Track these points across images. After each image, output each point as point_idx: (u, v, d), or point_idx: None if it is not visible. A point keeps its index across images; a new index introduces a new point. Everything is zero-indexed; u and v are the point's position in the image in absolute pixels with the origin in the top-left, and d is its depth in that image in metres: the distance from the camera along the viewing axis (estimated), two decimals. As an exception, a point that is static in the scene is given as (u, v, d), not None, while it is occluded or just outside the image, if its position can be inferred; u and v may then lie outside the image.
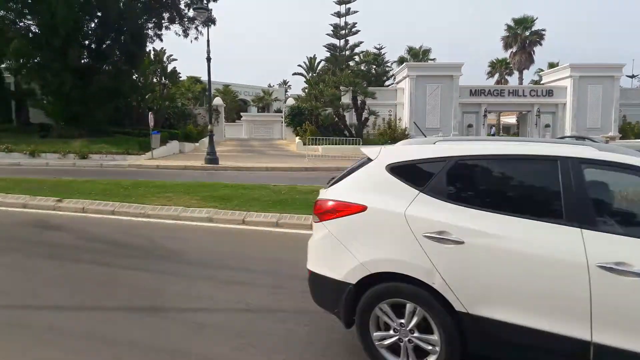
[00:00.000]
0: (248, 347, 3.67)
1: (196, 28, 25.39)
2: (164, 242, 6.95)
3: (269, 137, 41.54)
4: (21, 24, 24.35)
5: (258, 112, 53.94)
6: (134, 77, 28.71)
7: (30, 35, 24.49)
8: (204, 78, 45.49)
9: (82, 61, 25.12)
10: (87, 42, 25.80)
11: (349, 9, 35.61)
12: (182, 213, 8.50)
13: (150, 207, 8.82)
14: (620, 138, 32.72)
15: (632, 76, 51.39)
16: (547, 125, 36.10)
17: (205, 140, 31.89)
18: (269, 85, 60.89)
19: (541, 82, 40.37)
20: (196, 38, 25.62)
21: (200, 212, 8.49)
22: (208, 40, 18.60)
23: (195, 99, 42.20)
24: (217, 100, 36.47)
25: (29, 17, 24.02)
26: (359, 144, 25.28)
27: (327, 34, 36.69)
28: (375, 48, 43.64)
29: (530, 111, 36.11)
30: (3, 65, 27.57)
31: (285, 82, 70.32)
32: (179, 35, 25.62)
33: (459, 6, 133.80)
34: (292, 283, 5.20)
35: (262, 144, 34.26)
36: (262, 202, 9.34)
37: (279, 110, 51.64)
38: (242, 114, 46.42)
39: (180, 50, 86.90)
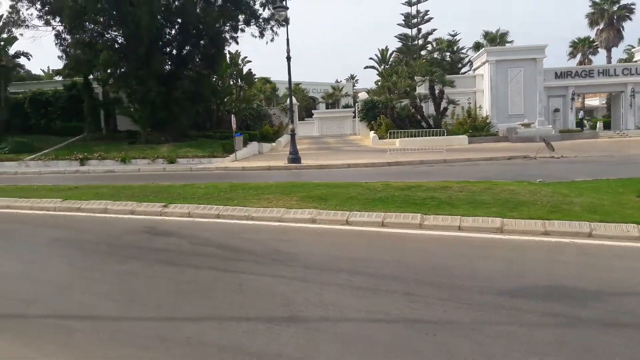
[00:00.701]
0: (409, 365, 3.35)
1: (271, 29, 25.74)
2: (275, 245, 6.85)
3: (341, 133, 41.45)
4: (108, 35, 25.82)
5: (327, 108, 54.05)
6: (213, 80, 29.64)
7: (116, 46, 25.91)
8: (274, 78, 46.73)
9: (165, 67, 26.28)
10: (168, 49, 26.96)
11: (421, -4, 34.53)
12: (285, 215, 8.41)
13: (253, 209, 8.82)
14: None
15: None
16: (643, 106, 32.99)
17: (282, 139, 32.52)
18: (337, 81, 60.78)
19: (633, 60, 36.94)
20: (272, 39, 25.94)
21: (303, 213, 8.35)
22: (288, 40, 18.69)
23: (267, 99, 43.04)
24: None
25: (114, 28, 25.46)
26: (443, 135, 24.31)
27: (399, 24, 35.92)
28: (450, 34, 41.99)
29: (623, 91, 33.20)
30: (91, 77, 29.53)
31: (352, 77, 70.03)
32: (255, 36, 26.08)
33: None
34: (423, 289, 4.84)
35: (336, 141, 34.19)
36: (360, 201, 9.05)
37: (347, 106, 51.38)
38: (313, 111, 46.73)
39: (246, 51, 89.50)
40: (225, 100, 31.87)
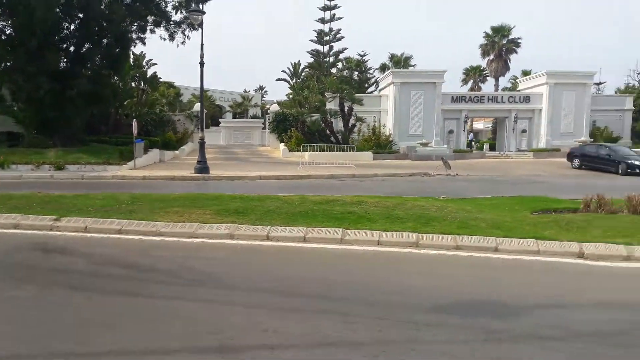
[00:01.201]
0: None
1: (182, 32, 24.55)
2: (190, 263, 6.31)
3: (249, 143, 40.84)
4: (-6, 25, 22.87)
5: (234, 117, 52.98)
6: (114, 82, 27.46)
7: (3, 37, 23.07)
8: (177, 83, 44.76)
9: (61, 65, 23.82)
10: (65, 45, 24.46)
11: (334, 15, 35.49)
12: (199, 230, 7.83)
13: (161, 223, 8.08)
14: (591, 142, 33.94)
15: (599, 84, 53.24)
16: (524, 131, 36.89)
17: (185, 147, 31.10)
18: (245, 91, 59.93)
19: (517, 89, 41.34)
20: (183, 42, 24.71)
21: (219, 228, 7.85)
22: (202, 45, 17.85)
23: (169, 105, 41.02)
24: (198, 106, 35.60)
25: (2, 17, 22.62)
26: (351, 151, 24.97)
27: (311, 40, 36.53)
28: (359, 55, 43.71)
29: (507, 117, 36.79)
30: None
31: (261, 88, 69.61)
32: (165, 39, 24.63)
33: (435, 11, 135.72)
34: (355, 308, 4.71)
35: (244, 151, 33.52)
36: (280, 215, 8.78)
37: (255, 116, 50.88)
38: (220, 120, 45.55)
39: (151, 53, 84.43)
40: (125, 103, 29.67)
